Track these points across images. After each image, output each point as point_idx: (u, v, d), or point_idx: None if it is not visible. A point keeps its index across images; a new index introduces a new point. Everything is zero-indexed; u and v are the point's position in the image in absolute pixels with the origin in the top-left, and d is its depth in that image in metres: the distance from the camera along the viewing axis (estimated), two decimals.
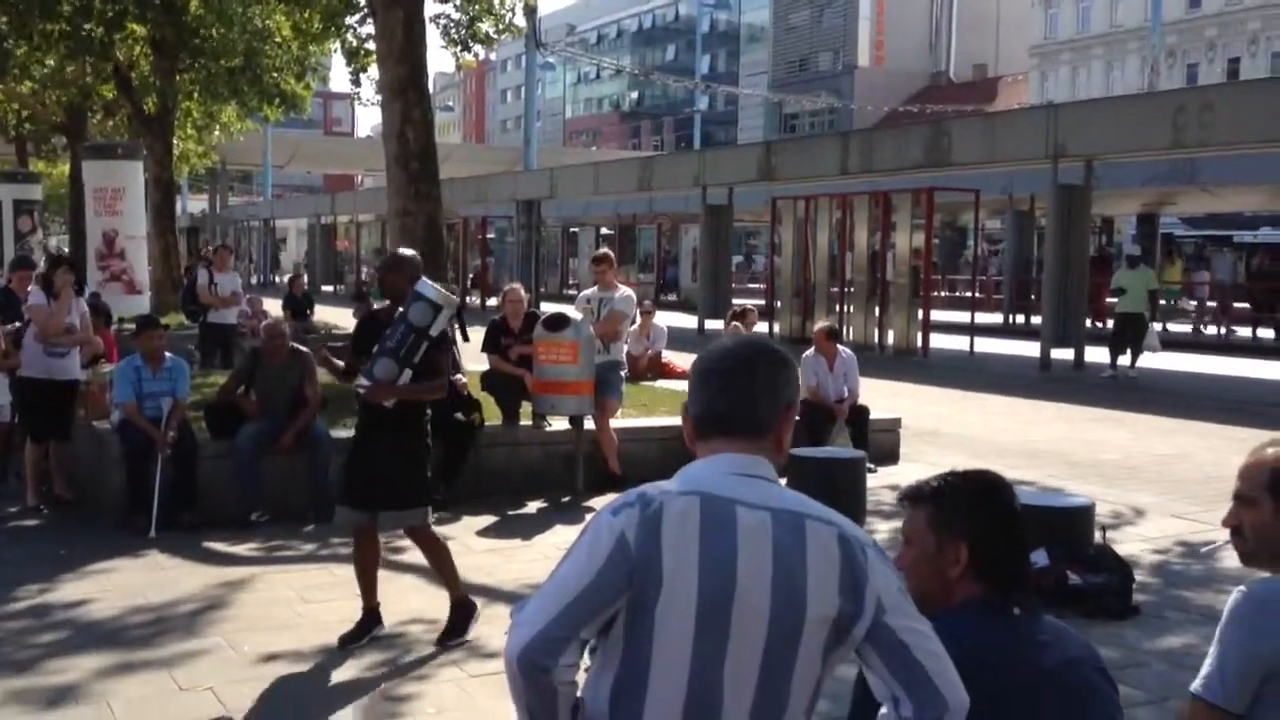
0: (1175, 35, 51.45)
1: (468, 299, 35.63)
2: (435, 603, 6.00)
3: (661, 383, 13.23)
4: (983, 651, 2.13)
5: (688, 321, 25.80)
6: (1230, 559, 7.15)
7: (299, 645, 5.62)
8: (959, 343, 21.68)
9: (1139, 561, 6.99)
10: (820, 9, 72.71)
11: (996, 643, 2.16)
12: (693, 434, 2.09)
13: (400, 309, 5.43)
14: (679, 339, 17.59)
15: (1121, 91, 49.51)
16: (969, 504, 2.26)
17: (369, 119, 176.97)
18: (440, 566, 5.83)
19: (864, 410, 10.43)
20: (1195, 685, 2.34)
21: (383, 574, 5.97)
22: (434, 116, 11.84)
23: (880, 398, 11.95)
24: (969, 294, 28.08)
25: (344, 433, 8.76)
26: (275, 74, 22.96)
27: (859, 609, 1.94)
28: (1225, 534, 2.47)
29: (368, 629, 5.72)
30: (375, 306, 6.21)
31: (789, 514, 1.96)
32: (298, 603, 6.33)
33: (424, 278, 5.50)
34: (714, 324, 18.69)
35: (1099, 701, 2.15)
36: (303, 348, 8.85)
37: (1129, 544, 7.35)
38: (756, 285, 38.25)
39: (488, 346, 9.63)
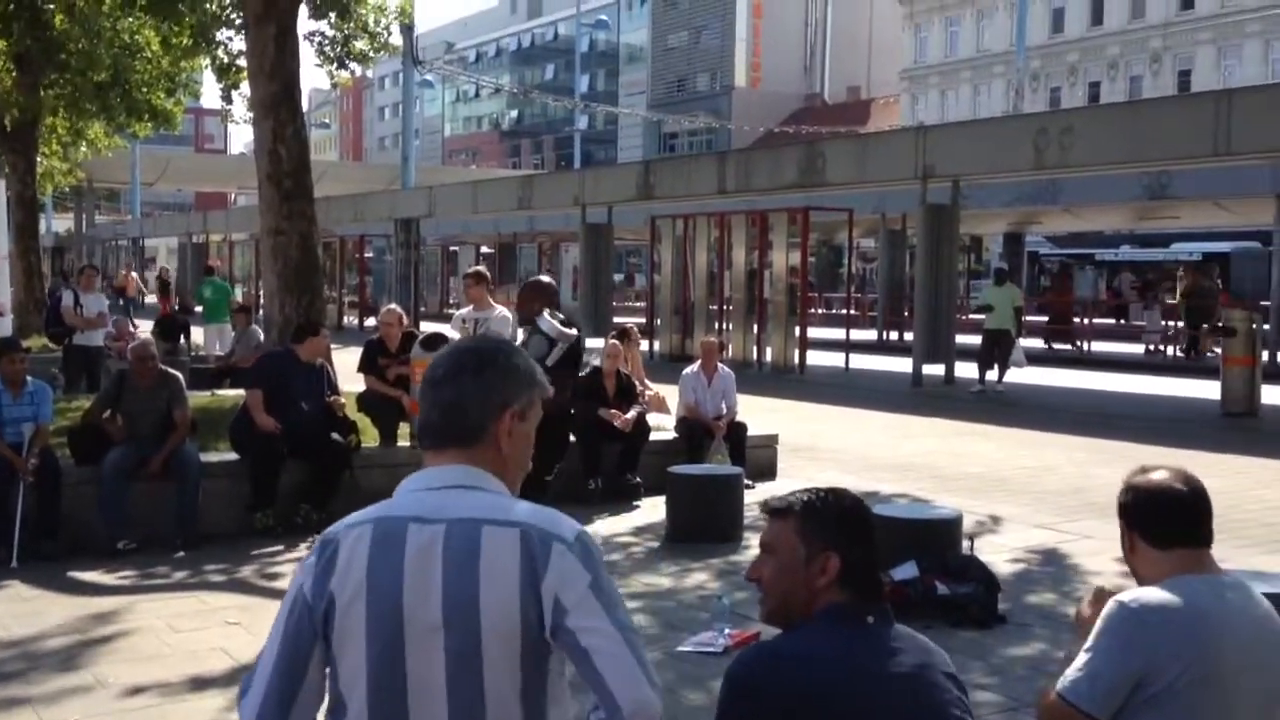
0: (1039, 60, 53.14)
1: (344, 320, 35.23)
2: None
3: None
4: (838, 659, 2.22)
5: None
6: (1093, 566, 7.42)
7: (168, 676, 5.49)
8: (835, 359, 22.07)
9: (1004, 571, 7.20)
10: (698, 31, 73.55)
11: (851, 650, 2.24)
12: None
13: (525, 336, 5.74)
14: None
15: (988, 114, 50.98)
16: (840, 516, 2.34)
17: (242, 136, 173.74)
18: None
19: (741, 427, 10.55)
20: (1062, 686, 2.46)
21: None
22: (308, 134, 11.69)
23: (758, 414, 12.11)
24: (845, 311, 28.62)
25: (216, 456, 8.63)
26: (145, 89, 22.42)
27: (540, 611, 1.89)
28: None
29: None
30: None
31: (465, 523, 1.92)
32: (167, 632, 6.18)
33: (546, 313, 5.87)
34: (595, 342, 18.81)
35: (948, 704, 2.24)
36: (171, 370, 8.66)
37: (995, 554, 7.56)
38: (638, 303, 38.47)
39: (364, 367, 9.54)
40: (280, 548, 7.93)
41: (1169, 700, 2.42)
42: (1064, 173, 20.51)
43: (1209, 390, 15.99)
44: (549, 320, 5.98)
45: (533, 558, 1.89)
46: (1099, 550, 7.79)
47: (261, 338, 13.72)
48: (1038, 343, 26.16)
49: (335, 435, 8.54)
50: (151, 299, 40.79)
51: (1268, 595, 5.33)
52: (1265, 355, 17.66)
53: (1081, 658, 2.47)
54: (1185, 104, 21.09)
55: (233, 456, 8.56)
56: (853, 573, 2.30)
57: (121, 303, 30.38)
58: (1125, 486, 2.69)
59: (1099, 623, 2.50)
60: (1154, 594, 2.52)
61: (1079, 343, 27.03)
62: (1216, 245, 36.71)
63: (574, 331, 6.02)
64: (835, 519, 2.33)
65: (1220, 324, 16.12)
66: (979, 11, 58.31)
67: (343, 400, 8.97)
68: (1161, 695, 2.42)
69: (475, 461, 1.99)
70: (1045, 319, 28.62)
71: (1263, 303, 22.99)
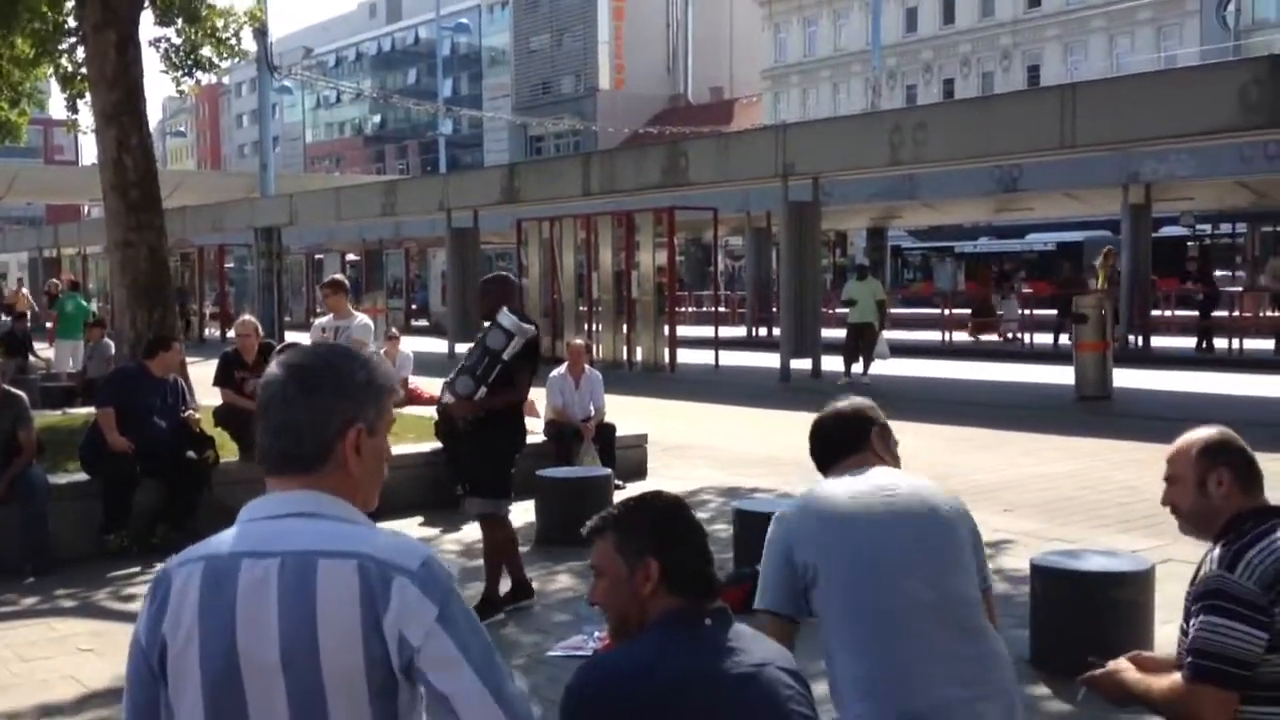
0: (894, 58, 54.33)
1: (206, 331, 34.35)
2: None
3: (409, 409, 13.04)
4: (672, 666, 2.20)
5: (439, 346, 25.56)
6: None
7: (15, 706, 5.27)
8: (706, 357, 22.23)
9: None
10: (560, 33, 73.49)
11: (686, 655, 2.23)
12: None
13: (480, 334, 6.33)
14: (428, 364, 17.40)
15: (848, 111, 51.96)
16: (651, 522, 2.35)
17: (94, 146, 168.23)
18: (496, 560, 6.56)
19: (610, 428, 10.56)
20: (755, 603, 2.89)
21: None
22: (152, 143, 11.35)
23: (629, 415, 12.12)
24: (714, 309, 28.86)
25: (66, 478, 8.31)
26: None
27: (385, 650, 1.77)
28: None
29: (515, 599, 6.58)
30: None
31: (300, 556, 1.79)
32: (14, 662, 5.94)
33: (505, 308, 6.31)
34: (464, 346, 18.74)
35: (787, 701, 2.24)
36: (15, 390, 8.32)
37: None
38: None
39: (220, 380, 9.29)
40: (137, 569, 7.67)
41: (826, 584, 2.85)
42: (919, 168, 20.98)
43: (1065, 376, 16.50)
44: (507, 314, 6.25)
45: (372, 592, 1.76)
46: None
47: (113, 351, 13.30)
48: (903, 334, 26.73)
49: (191, 452, 8.31)
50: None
51: (1120, 572, 5.49)
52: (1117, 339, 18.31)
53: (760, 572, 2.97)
54: (1032, 99, 21.73)
55: (83, 477, 8.26)
56: (678, 575, 2.30)
57: (7, 319, 29.04)
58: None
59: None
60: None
61: (944, 334, 27.67)
62: (1070, 235, 37.94)
63: (531, 327, 6.37)
64: (648, 526, 2.34)
65: (1073, 310, 16.64)
66: (835, 12, 59.39)
67: (198, 415, 8.72)
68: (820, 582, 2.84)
69: (320, 485, 1.85)
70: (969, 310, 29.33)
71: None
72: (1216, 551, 2.79)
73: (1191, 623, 2.75)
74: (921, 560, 2.86)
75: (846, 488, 2.96)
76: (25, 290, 37.09)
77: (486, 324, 6.40)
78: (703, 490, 9.94)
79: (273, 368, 1.92)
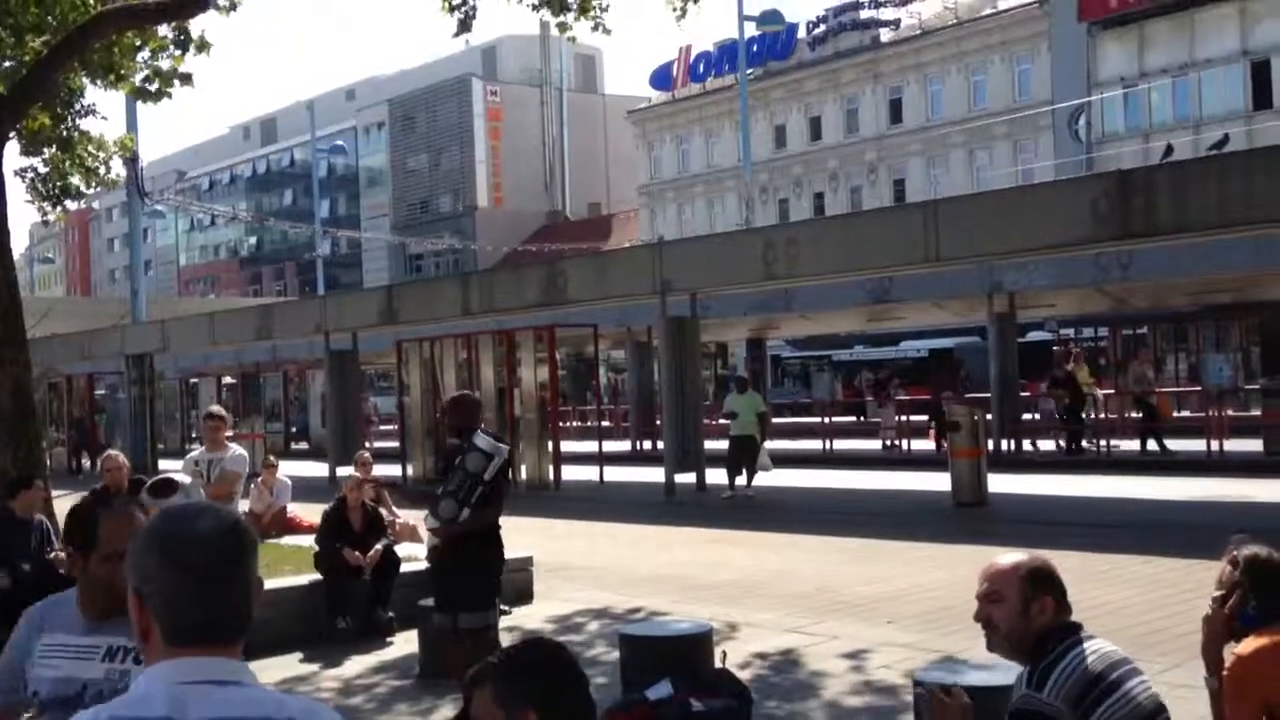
0: (766, 173, 55.78)
1: (75, 461, 33.24)
2: None
3: (288, 539, 12.78)
4: None
5: (319, 470, 25.09)
6: (839, 666, 7.62)
7: None
8: (590, 473, 22.20)
9: (756, 679, 7.31)
10: (438, 153, 74.03)
11: None
12: (155, 638, 1.84)
13: (459, 457, 6.61)
14: (309, 489, 17.09)
15: (723, 224, 53.03)
16: (531, 669, 2.30)
17: None
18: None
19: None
20: None
21: None
22: (16, 276, 11.06)
23: (513, 535, 11.79)
24: (597, 424, 28.90)
25: None
26: None
27: None
28: None
29: None
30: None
31: None
32: None
33: (480, 429, 6.70)
34: (345, 469, 18.51)
35: None
36: None
37: (747, 663, 7.67)
38: (389, 426, 37.83)
39: None
40: None
41: None
42: (792, 282, 21.47)
43: (943, 482, 16.83)
44: (483, 436, 6.65)
45: None
46: (846, 649, 8.02)
47: None
48: (786, 444, 27.03)
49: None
50: None
51: (1001, 686, 5.56)
52: (990, 445, 18.78)
53: None
54: (897, 215, 22.51)
55: None
56: None
57: None
58: None
59: None
60: None
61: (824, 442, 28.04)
62: (942, 341, 38.99)
63: (505, 446, 6.79)
64: (529, 672, 2.29)
65: (945, 418, 17.04)
66: (707, 130, 60.92)
67: (64, 556, 8.40)
68: None
69: (235, 654, 1.85)
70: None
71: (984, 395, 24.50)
72: (1025, 671, 2.97)
73: None
74: None
75: None
76: None
77: (455, 441, 6.83)
78: (588, 613, 9.87)
79: (205, 533, 1.84)
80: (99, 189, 14.44)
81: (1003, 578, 3.04)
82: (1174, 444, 21.91)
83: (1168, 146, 34.33)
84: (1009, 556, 3.12)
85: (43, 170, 13.71)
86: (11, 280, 10.90)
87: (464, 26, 12.55)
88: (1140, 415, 23.77)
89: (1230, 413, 24.32)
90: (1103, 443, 23.42)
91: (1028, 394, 27.93)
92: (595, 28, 12.87)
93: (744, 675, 6.95)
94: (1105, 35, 44.66)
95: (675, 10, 13.00)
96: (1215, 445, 20.86)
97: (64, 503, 10.78)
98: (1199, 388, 29.43)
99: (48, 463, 12.91)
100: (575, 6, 12.65)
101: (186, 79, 12.51)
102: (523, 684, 2.26)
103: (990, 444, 19.34)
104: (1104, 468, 21.05)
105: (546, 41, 68.78)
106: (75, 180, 13.62)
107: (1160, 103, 43.44)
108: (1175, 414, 26.74)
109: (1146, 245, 17.97)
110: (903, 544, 13.02)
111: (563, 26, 13.14)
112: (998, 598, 3.03)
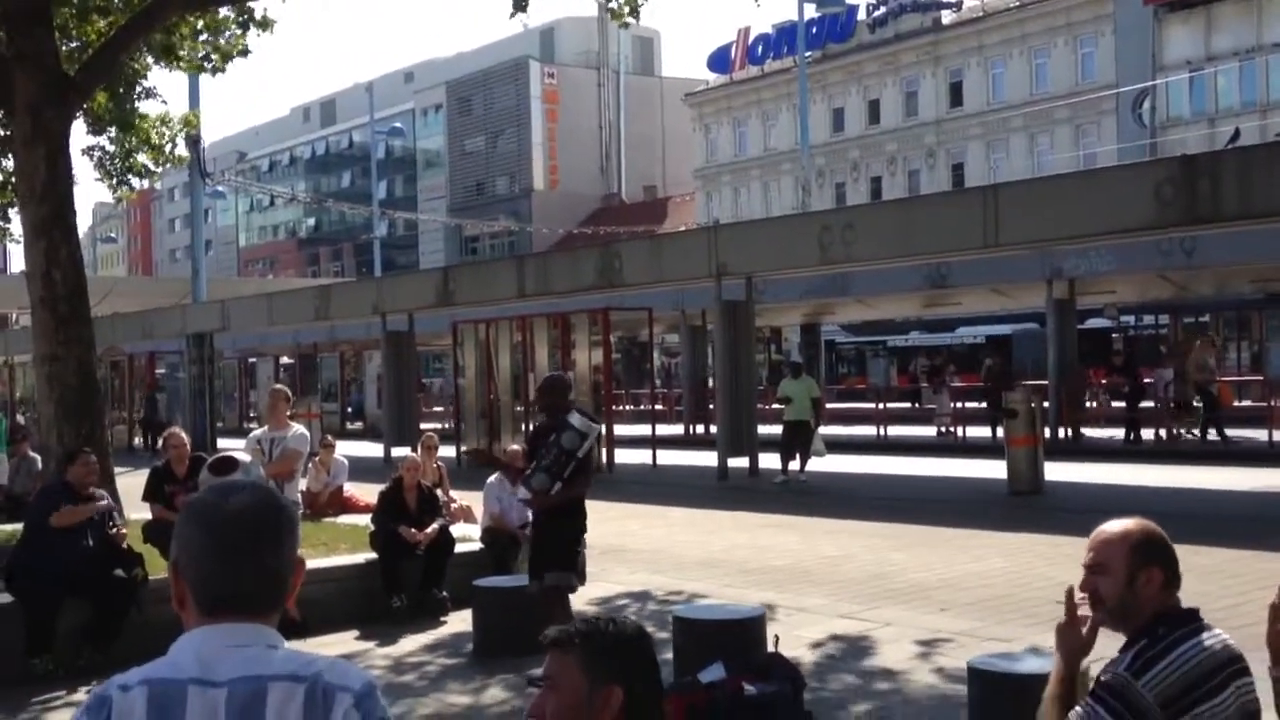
0: (823, 157, 55.40)
1: (134, 440, 33.75)
2: None
3: (344, 518, 12.90)
4: None
5: (375, 450, 25.32)
6: (893, 653, 7.59)
7: None
8: (643, 456, 22.22)
9: (809, 664, 7.30)
10: (494, 136, 74.24)
11: None
12: (190, 606, 1.90)
13: (555, 432, 7.05)
14: (364, 469, 17.25)
15: (779, 208, 52.81)
16: (624, 648, 2.28)
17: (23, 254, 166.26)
18: None
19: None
20: None
21: None
22: (81, 255, 11.24)
23: None
24: (650, 407, 28.92)
25: None
26: None
27: None
28: None
29: None
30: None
31: (250, 681, 1.83)
32: None
33: (574, 408, 7.23)
34: (400, 450, 18.71)
35: None
36: None
37: (799, 648, 7.66)
38: (438, 408, 38.12)
39: (150, 495, 9.15)
40: (62, 693, 7.46)
41: None
42: (848, 267, 21.34)
43: (998, 470, 16.67)
44: (578, 415, 7.11)
45: (316, 711, 1.82)
46: (899, 636, 7.99)
47: (39, 467, 13.07)
48: (839, 429, 26.91)
49: (119, 570, 8.13)
50: None
51: (1029, 675, 5.52)
52: (1047, 432, 18.58)
53: None
54: (956, 200, 22.27)
55: (6, 599, 8.03)
56: (637, 707, 2.24)
57: None
58: None
59: None
60: None
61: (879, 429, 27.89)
62: (999, 328, 38.62)
63: (599, 425, 7.38)
64: (618, 650, 2.27)
65: (1002, 405, 16.88)
66: (764, 113, 60.59)
67: (124, 531, 8.55)
68: None
69: (269, 622, 1.91)
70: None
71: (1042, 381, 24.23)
72: (1131, 652, 2.76)
73: (1082, 701, 2.74)
74: None
75: None
76: None
77: (544, 416, 7.48)
78: (641, 595, 9.90)
79: (238, 509, 1.90)
80: (166, 167, 14.63)
81: (1109, 548, 2.82)
82: (1235, 433, 21.58)
83: (1234, 131, 33.73)
84: (1118, 523, 2.88)
85: (109, 149, 13.91)
86: (77, 261, 11.08)
87: (519, 6, 12.54)
88: (1200, 404, 23.35)
89: None
90: (1163, 432, 23.10)
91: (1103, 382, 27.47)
92: (631, 11, 12.86)
93: (796, 659, 6.94)
94: (1171, 18, 43.88)
95: None
96: (1277, 436, 20.51)
97: (128, 479, 10.97)
98: (1260, 377, 28.94)
99: (109, 439, 13.12)
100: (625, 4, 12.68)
101: (245, 52, 12.66)
102: (613, 661, 2.25)
103: (1047, 432, 19.14)
104: (1163, 458, 20.75)
105: (605, 24, 68.61)
106: (143, 158, 13.81)
107: (1226, 87, 42.64)
108: (1235, 403, 26.30)
109: (1211, 231, 17.67)
110: (956, 530, 12.93)
111: (615, 13, 13.13)
112: (1102, 570, 2.82)
